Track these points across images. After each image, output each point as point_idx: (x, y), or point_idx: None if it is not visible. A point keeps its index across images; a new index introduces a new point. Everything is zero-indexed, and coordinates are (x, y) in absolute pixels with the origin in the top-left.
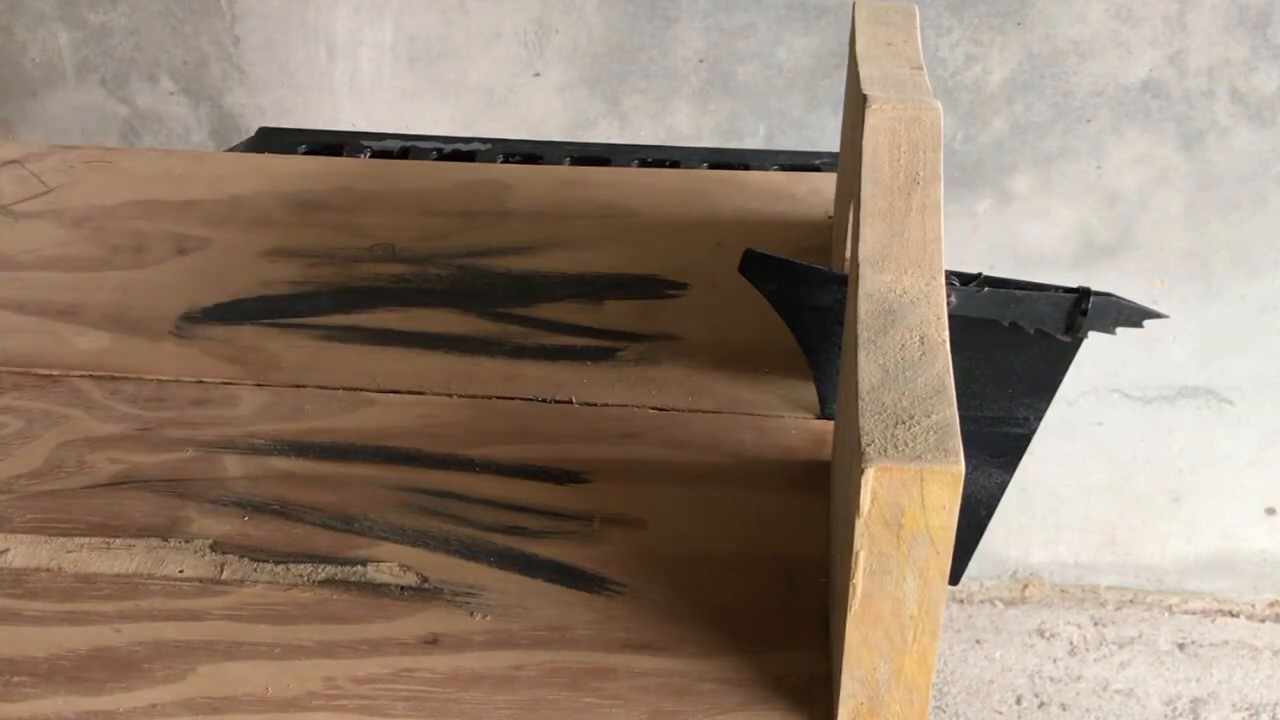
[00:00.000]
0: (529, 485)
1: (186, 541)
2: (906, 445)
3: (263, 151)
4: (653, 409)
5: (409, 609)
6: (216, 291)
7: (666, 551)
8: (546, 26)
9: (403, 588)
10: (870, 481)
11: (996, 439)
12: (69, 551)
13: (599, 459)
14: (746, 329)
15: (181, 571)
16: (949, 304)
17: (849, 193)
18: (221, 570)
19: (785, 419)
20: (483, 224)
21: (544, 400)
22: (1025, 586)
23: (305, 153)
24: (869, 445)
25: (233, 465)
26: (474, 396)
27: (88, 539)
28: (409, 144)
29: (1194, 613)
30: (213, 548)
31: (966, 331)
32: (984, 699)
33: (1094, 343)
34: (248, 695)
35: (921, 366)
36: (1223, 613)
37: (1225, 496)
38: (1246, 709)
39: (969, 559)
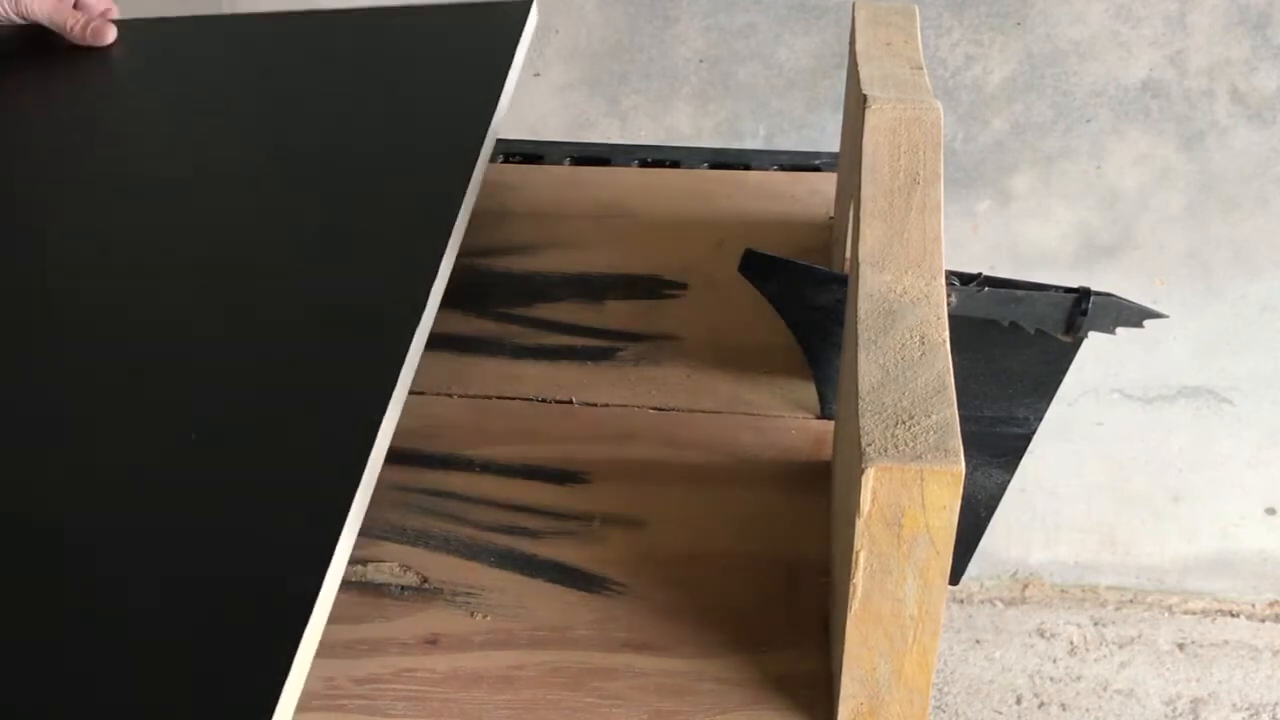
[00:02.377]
0: (529, 485)
1: None
2: (906, 445)
3: None
4: (653, 409)
5: (409, 609)
6: None
7: (666, 551)
8: (546, 26)
9: (403, 588)
10: (870, 481)
11: (996, 439)
12: None
13: (599, 459)
14: (746, 329)
15: None
16: (949, 304)
17: (849, 193)
18: None
19: (785, 419)
20: (483, 224)
21: (544, 400)
22: (1025, 586)
23: None
24: (869, 445)
25: None
26: (474, 396)
27: None
28: None
29: (1194, 613)
30: None
31: (966, 331)
32: (984, 699)
33: (1094, 343)
34: None
35: (921, 366)
36: (1223, 613)
37: (1225, 496)
38: (1246, 709)
39: (969, 559)
